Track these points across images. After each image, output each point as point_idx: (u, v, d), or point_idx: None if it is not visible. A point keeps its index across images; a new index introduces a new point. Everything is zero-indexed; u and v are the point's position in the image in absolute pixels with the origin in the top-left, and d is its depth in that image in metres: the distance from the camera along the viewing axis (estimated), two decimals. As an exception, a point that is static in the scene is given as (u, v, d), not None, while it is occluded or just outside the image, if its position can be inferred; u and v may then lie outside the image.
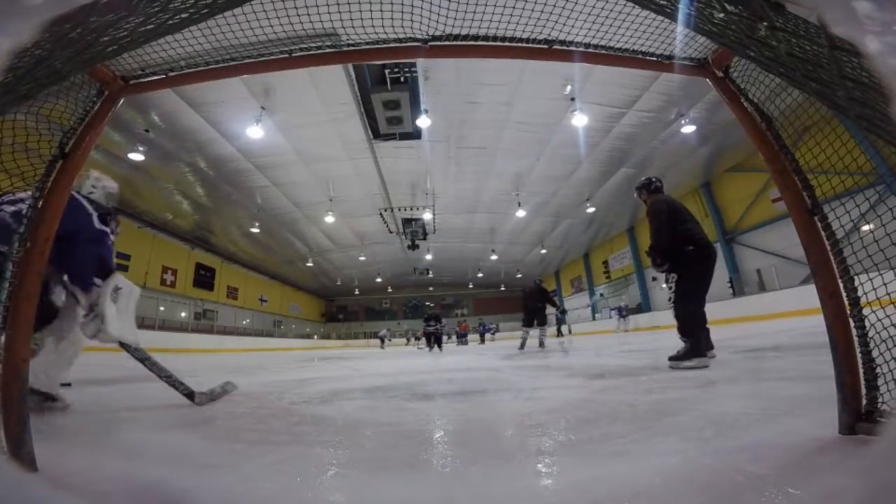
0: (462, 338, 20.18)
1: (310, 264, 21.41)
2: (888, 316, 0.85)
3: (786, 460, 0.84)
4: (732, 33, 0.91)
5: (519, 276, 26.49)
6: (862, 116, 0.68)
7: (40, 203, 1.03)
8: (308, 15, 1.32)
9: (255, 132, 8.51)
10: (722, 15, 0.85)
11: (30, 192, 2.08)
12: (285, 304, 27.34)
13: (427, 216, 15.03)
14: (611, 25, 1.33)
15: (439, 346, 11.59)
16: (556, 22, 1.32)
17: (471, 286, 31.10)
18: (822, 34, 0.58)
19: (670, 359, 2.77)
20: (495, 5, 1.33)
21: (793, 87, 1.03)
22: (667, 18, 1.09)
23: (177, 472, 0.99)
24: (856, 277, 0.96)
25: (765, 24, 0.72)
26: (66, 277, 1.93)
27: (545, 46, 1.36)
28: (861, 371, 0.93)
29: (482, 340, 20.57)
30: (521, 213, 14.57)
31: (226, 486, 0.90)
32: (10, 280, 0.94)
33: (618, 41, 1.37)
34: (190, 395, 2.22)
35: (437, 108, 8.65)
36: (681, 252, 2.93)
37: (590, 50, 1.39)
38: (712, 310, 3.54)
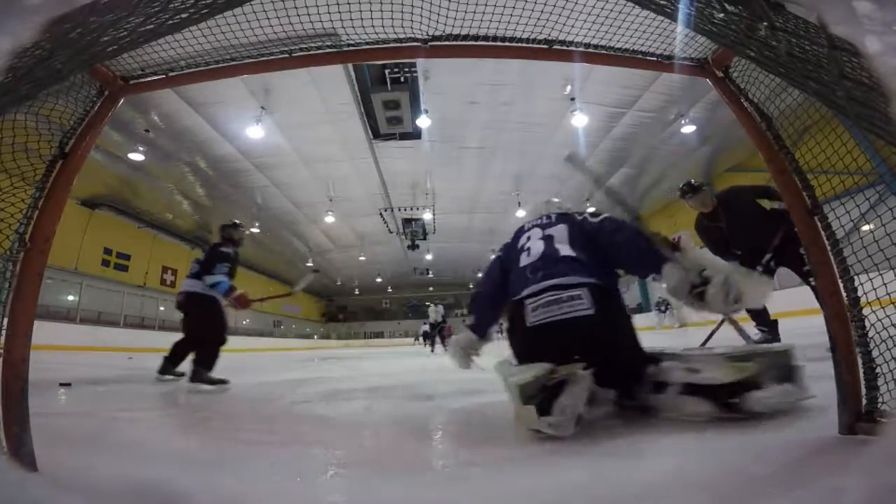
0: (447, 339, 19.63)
1: (310, 264, 21.40)
2: (888, 316, 0.85)
3: (786, 460, 0.84)
4: (732, 33, 0.91)
5: (519, 276, 26.45)
6: (862, 116, 0.68)
7: (40, 203, 1.02)
8: (308, 15, 1.32)
9: (255, 132, 8.52)
10: (722, 15, 0.85)
11: None
12: (285, 304, 27.34)
13: (427, 216, 15.03)
14: (611, 25, 1.33)
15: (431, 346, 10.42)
16: (556, 22, 1.32)
17: (471, 286, 31.09)
18: (822, 34, 0.58)
19: None
20: (495, 5, 1.33)
21: (793, 87, 1.04)
22: (667, 18, 1.09)
23: (177, 472, 0.99)
24: (856, 277, 0.96)
25: (764, 24, 0.72)
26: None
27: (545, 46, 1.36)
28: (861, 371, 0.93)
29: None
30: (521, 213, 14.56)
31: (226, 486, 0.90)
32: (10, 280, 0.94)
33: (618, 41, 1.37)
34: None
35: (437, 108, 8.64)
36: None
37: (590, 50, 1.39)
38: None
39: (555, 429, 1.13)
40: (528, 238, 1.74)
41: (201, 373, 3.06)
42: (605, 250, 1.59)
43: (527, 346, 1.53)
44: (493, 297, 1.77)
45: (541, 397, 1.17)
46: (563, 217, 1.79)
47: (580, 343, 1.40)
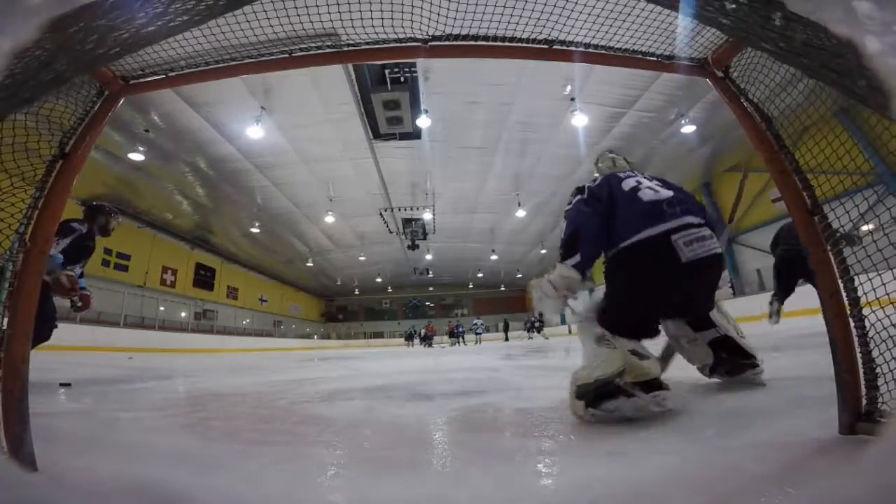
0: (427, 340, 20.14)
1: (310, 264, 21.40)
2: (888, 316, 0.85)
3: (786, 460, 0.84)
4: (744, 24, 0.91)
5: (519, 275, 26.47)
6: (883, 106, 0.67)
7: (40, 203, 1.03)
8: (308, 15, 1.32)
9: (255, 132, 8.51)
10: (734, 5, 0.84)
11: None
12: (285, 304, 27.33)
13: (427, 216, 15.03)
14: (611, 25, 1.33)
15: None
16: (556, 22, 1.32)
17: (471, 286, 31.09)
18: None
19: None
20: (495, 5, 1.33)
21: (799, 82, 1.03)
22: (675, 11, 1.09)
23: (177, 472, 0.99)
24: (856, 277, 0.96)
25: (779, 13, 0.71)
26: None
27: (545, 46, 1.36)
28: (861, 371, 0.93)
29: (455, 341, 20.37)
30: (521, 213, 14.57)
31: (226, 486, 0.90)
32: (10, 280, 0.94)
33: (618, 41, 1.37)
34: None
35: (437, 108, 8.64)
36: None
37: (590, 50, 1.39)
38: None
39: (596, 418, 1.29)
40: (639, 182, 1.63)
41: None
42: None
43: (676, 284, 1.47)
44: (600, 235, 1.52)
45: (598, 394, 1.29)
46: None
47: (716, 281, 1.57)
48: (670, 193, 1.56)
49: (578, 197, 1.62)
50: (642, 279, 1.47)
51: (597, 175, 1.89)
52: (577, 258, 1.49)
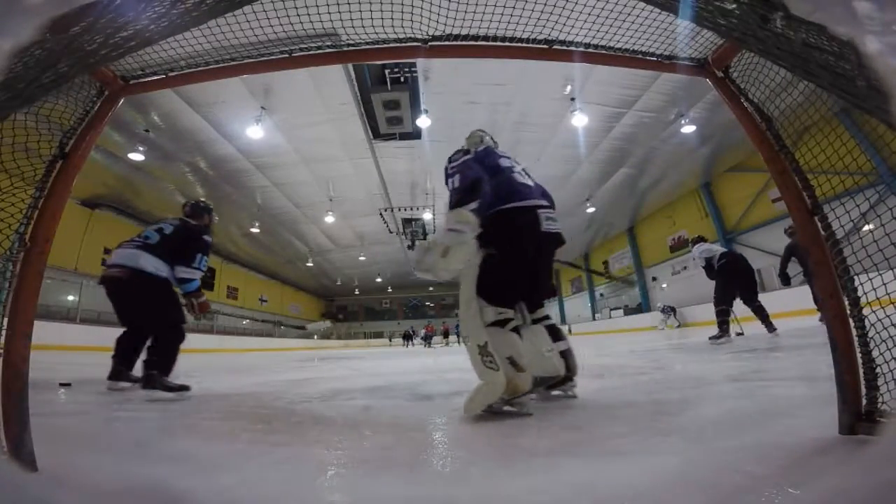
0: (427, 340, 20.53)
1: (310, 264, 21.41)
2: (888, 316, 0.85)
3: (786, 460, 0.84)
4: (742, 25, 0.90)
5: (519, 276, 26.44)
6: (881, 108, 0.67)
7: (40, 203, 1.03)
8: (308, 15, 1.32)
9: (255, 132, 8.52)
10: (734, 6, 0.84)
11: None
12: (285, 304, 27.34)
13: (427, 216, 15.03)
14: (611, 25, 1.33)
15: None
16: (556, 22, 1.32)
17: (471, 286, 31.06)
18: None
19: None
20: (495, 5, 1.33)
21: (795, 86, 1.03)
22: (673, 13, 1.09)
23: (177, 472, 0.99)
24: (856, 277, 0.96)
25: (780, 13, 0.70)
26: None
27: (545, 46, 1.36)
28: (861, 371, 0.93)
29: (447, 341, 21.04)
30: (521, 214, 14.55)
31: (226, 486, 0.90)
32: (10, 280, 0.94)
33: (618, 41, 1.37)
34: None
35: (437, 108, 8.64)
36: None
37: (590, 50, 1.39)
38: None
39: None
40: (512, 165, 1.95)
41: (157, 377, 2.50)
42: None
43: (538, 249, 1.83)
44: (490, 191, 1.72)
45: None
46: None
47: (552, 259, 2.05)
48: (532, 183, 1.94)
49: (467, 157, 1.88)
50: (519, 237, 1.74)
51: (466, 146, 2.14)
52: (476, 204, 1.63)
